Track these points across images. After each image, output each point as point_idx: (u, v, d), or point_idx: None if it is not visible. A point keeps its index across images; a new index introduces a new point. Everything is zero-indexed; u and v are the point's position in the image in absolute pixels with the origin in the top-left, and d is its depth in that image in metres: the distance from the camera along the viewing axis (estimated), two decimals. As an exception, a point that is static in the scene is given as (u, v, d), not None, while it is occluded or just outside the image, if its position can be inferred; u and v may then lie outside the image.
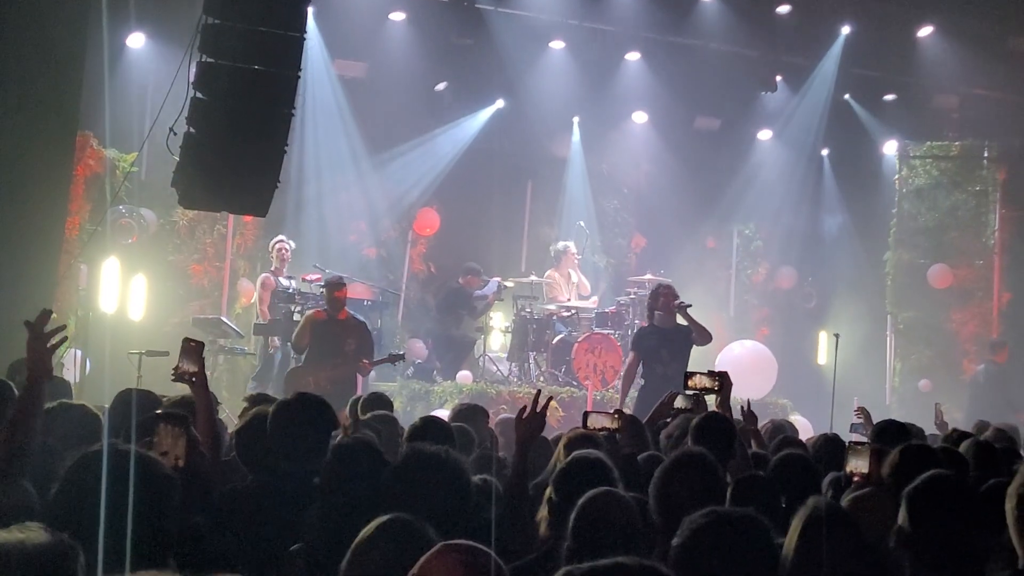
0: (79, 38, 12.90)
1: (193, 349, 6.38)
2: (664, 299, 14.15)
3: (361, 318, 14.80)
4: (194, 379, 6.36)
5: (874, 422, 8.52)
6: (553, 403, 16.42)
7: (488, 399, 15.56)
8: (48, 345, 5.32)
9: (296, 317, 15.49)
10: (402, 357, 14.89)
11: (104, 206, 15.61)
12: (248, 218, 16.81)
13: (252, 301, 17.20)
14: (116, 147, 15.76)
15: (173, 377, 6.45)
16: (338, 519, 5.01)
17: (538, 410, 6.20)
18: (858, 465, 6.21)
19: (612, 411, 7.85)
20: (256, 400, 7.92)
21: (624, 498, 5.20)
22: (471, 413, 9.25)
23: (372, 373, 15.86)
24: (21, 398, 5.45)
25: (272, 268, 16.63)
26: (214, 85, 11.47)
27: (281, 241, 16.80)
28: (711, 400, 8.27)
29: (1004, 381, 18.04)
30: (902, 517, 4.89)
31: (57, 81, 12.36)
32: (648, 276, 18.51)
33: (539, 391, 6.57)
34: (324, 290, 14.70)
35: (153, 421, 5.56)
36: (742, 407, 8.53)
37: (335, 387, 13.20)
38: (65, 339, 5.51)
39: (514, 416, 6.33)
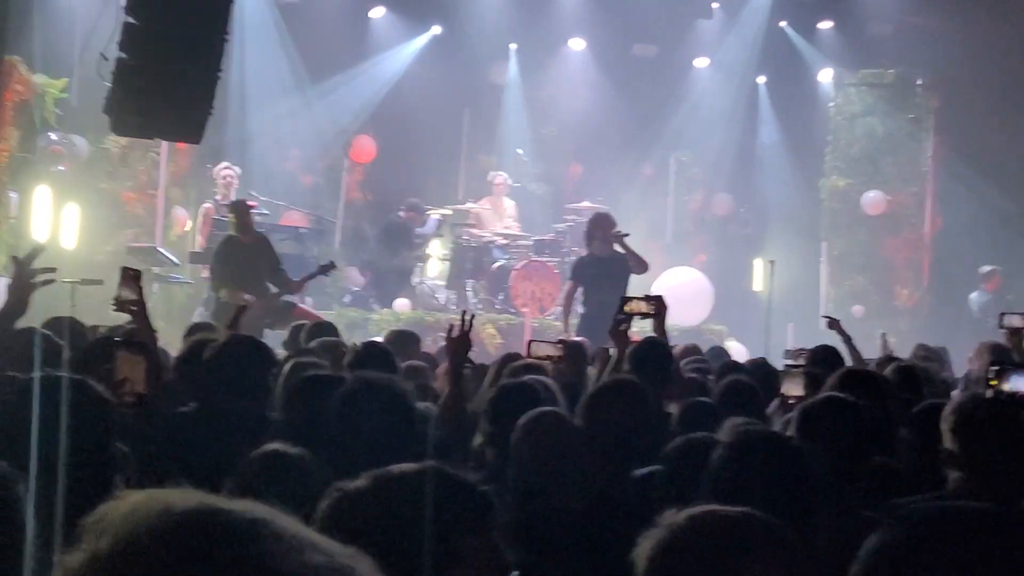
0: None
1: (132, 277, 6.28)
2: (601, 228, 14.17)
3: (262, 232, 14.52)
4: (134, 308, 6.28)
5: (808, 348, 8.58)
6: (491, 329, 16.50)
7: (425, 327, 15.54)
8: (35, 281, 5.27)
9: None
10: (333, 266, 14.64)
11: (34, 133, 15.39)
12: (182, 145, 16.60)
13: (187, 229, 17.05)
14: (45, 73, 15.48)
15: (113, 307, 6.35)
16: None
17: (465, 329, 6.20)
18: (791, 388, 6.26)
19: (556, 340, 7.88)
20: (195, 329, 7.89)
21: (565, 418, 5.22)
22: (403, 340, 9.28)
23: (309, 299, 15.80)
24: None
25: (217, 196, 16.49)
26: (146, 9, 11.31)
27: (227, 168, 16.64)
28: (646, 324, 8.30)
29: (998, 310, 18.13)
30: None
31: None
32: (586, 204, 18.50)
33: (464, 311, 6.56)
34: (232, 214, 14.34)
35: (111, 348, 5.51)
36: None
37: (273, 317, 13.17)
38: (52, 280, 5.47)
39: None
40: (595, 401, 5.49)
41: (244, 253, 13.75)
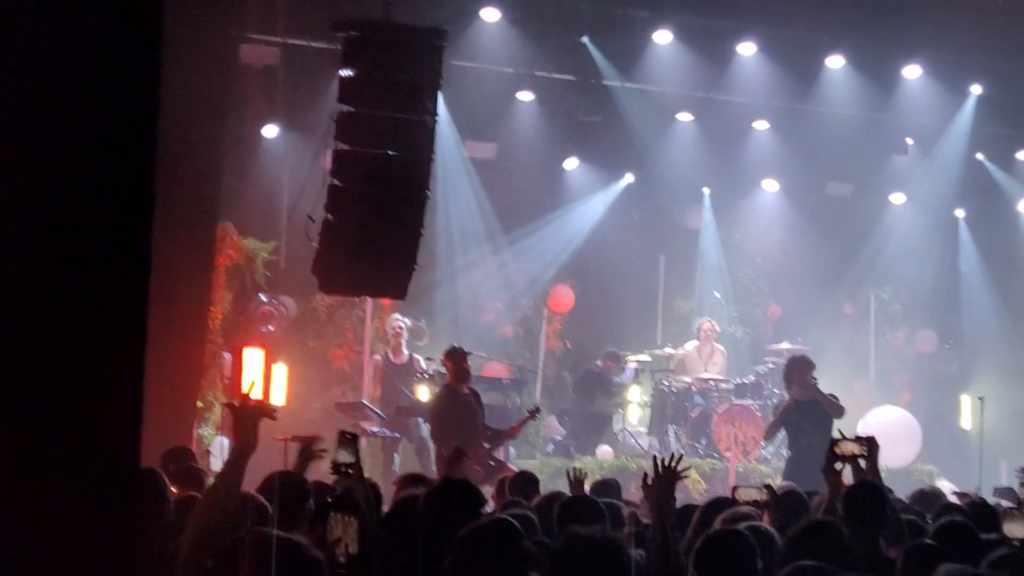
0: (217, 131, 13.26)
1: (349, 440, 6.46)
2: (798, 371, 14.09)
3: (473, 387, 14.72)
4: (351, 471, 6.40)
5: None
6: (695, 474, 16.35)
7: (628, 474, 15.48)
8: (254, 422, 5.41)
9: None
10: (538, 410, 14.72)
11: (245, 296, 15.90)
12: (386, 301, 16.96)
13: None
14: (255, 237, 16.04)
15: (330, 471, 6.51)
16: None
17: (662, 471, 6.16)
18: (1015, 530, 6.07)
19: (761, 484, 7.80)
20: (408, 481, 8.01)
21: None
22: (604, 489, 9.28)
23: (512, 450, 15.90)
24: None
25: (388, 350, 16.80)
26: (350, 172, 11.71)
27: (397, 320, 16.93)
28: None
29: None
30: None
31: (197, 174, 12.67)
32: (785, 345, 18.39)
33: (655, 457, 6.54)
34: (449, 361, 14.54)
35: (325, 509, 5.63)
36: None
37: (488, 473, 13.25)
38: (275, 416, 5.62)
39: None
40: (789, 546, 5.43)
41: (463, 404, 13.91)
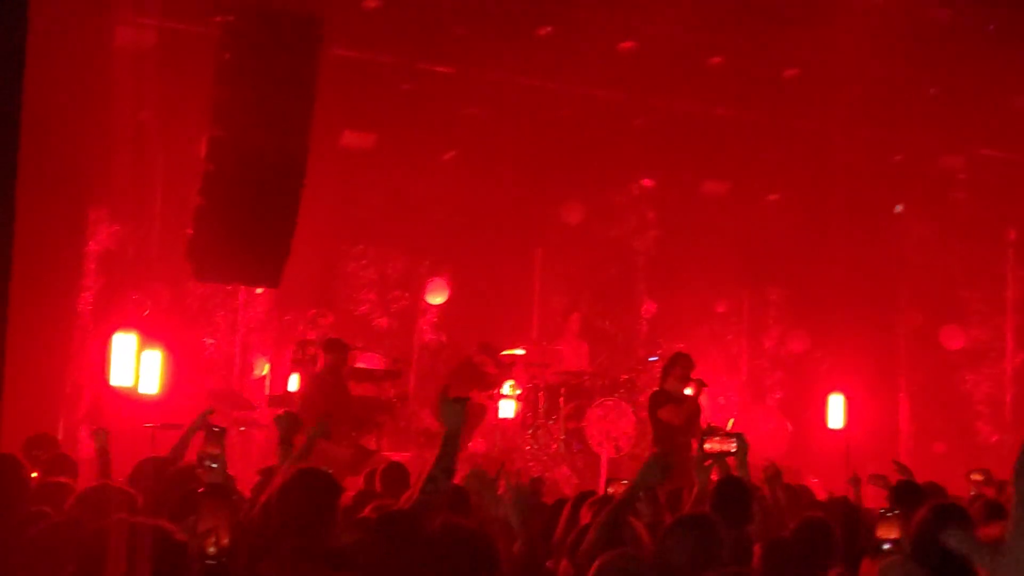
0: (89, 116, 13.03)
1: (216, 435, 6.50)
2: (678, 368, 14.18)
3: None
4: (215, 464, 6.42)
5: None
6: (567, 470, 16.40)
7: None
8: None
9: None
10: (407, 397, 14.61)
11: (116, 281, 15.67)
12: (260, 290, 16.83)
13: (264, 373, 17.20)
14: (127, 222, 15.80)
15: (196, 464, 6.54)
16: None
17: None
18: (888, 532, 6.11)
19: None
20: (268, 472, 7.94)
21: (640, 559, 5.20)
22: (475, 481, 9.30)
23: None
24: None
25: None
26: (225, 158, 11.58)
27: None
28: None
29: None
30: None
31: (67, 159, 12.46)
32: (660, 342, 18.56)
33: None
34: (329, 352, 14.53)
35: (195, 498, 5.58)
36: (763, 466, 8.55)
37: (355, 462, 13.19)
38: None
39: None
40: (668, 536, 5.49)
41: (332, 391, 13.86)
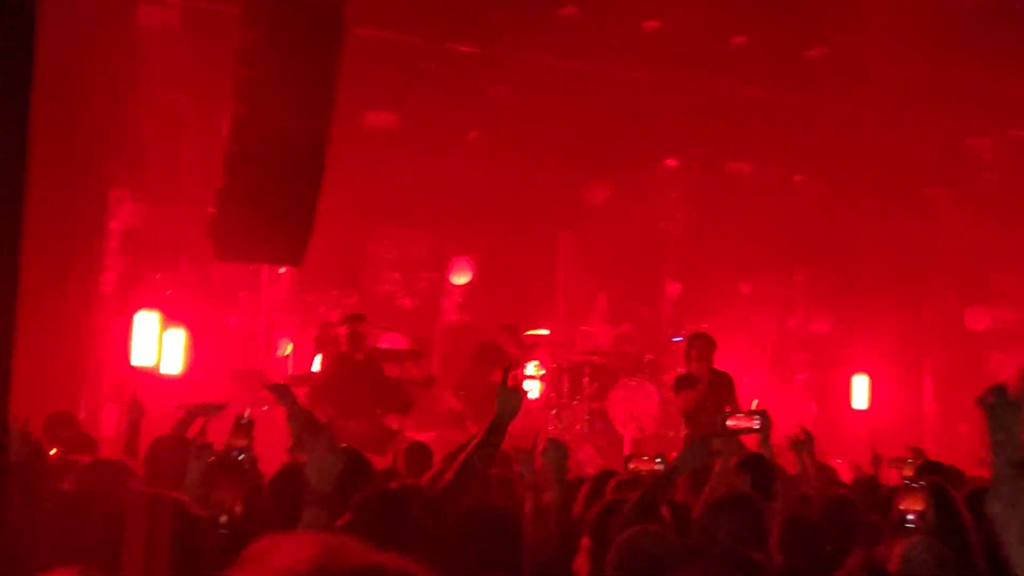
0: (112, 94, 13.02)
1: (244, 427, 6.45)
2: (697, 349, 14.09)
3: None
4: (241, 456, 6.40)
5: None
6: (591, 449, 16.37)
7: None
8: None
9: None
10: (433, 380, 14.48)
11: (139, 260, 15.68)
12: (283, 269, 16.82)
13: (287, 353, 17.20)
14: (150, 201, 15.80)
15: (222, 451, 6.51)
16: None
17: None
18: (911, 504, 6.02)
19: (655, 457, 7.81)
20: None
21: (667, 537, 5.14)
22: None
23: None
24: None
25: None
26: (248, 137, 11.54)
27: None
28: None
29: None
30: None
31: (88, 138, 12.45)
32: (685, 323, 18.49)
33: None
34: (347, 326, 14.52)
35: (209, 471, 5.58)
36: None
37: (377, 442, 13.15)
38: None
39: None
40: (708, 517, 5.43)
41: (353, 370, 13.81)
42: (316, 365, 16.22)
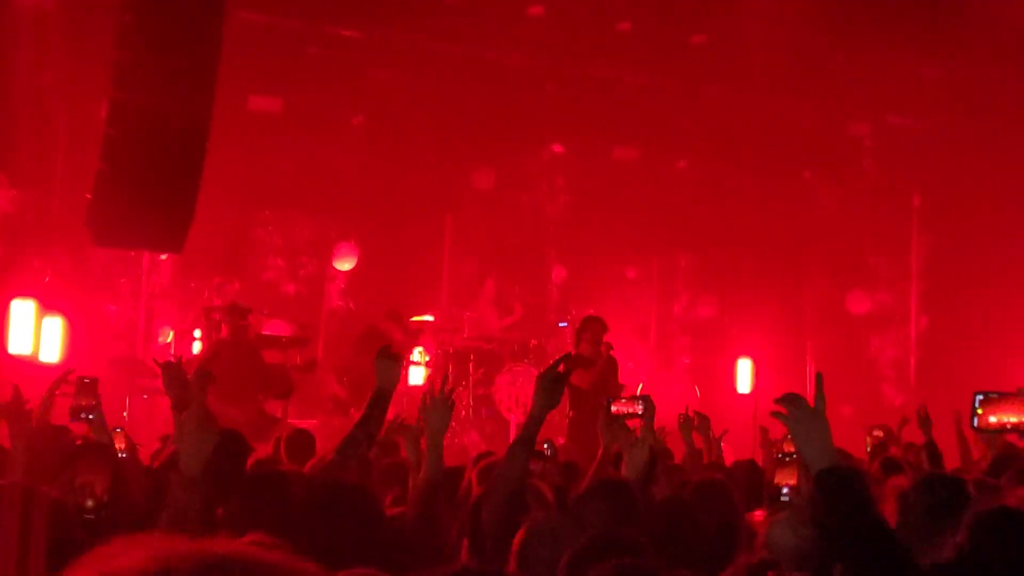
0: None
1: (87, 386, 6.35)
2: (590, 332, 14.15)
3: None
4: (91, 416, 6.30)
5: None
6: (476, 436, 16.37)
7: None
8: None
9: None
10: (315, 363, 14.39)
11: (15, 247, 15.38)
12: (164, 256, 16.60)
13: (168, 340, 16.97)
14: (27, 187, 15.50)
15: (70, 416, 6.40)
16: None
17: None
18: (785, 477, 6.07)
19: (541, 442, 7.85)
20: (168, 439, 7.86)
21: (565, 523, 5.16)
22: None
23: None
24: None
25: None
26: (126, 121, 11.35)
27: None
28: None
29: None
30: None
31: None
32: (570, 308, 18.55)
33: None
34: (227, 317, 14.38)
35: (74, 453, 5.48)
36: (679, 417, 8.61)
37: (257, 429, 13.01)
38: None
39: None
40: (582, 501, 5.44)
41: (233, 358, 13.66)
42: (195, 349, 16.04)
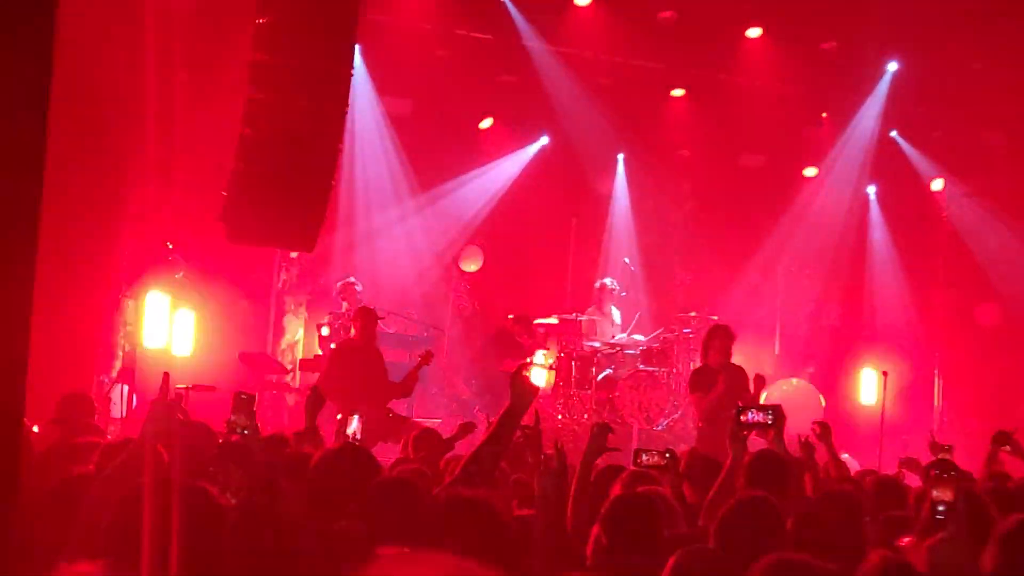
0: (125, 77, 13.01)
1: (244, 403, 6.42)
2: (718, 341, 13.96)
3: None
4: (246, 432, 6.38)
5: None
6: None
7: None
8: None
9: None
10: (431, 355, 14.45)
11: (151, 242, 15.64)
12: (294, 253, 16.79)
13: (297, 337, 17.19)
14: (163, 183, 15.75)
15: (225, 430, 6.49)
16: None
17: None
18: (943, 493, 5.91)
19: (663, 449, 7.82)
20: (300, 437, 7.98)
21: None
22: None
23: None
24: None
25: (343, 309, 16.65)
26: (262, 121, 11.53)
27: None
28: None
29: None
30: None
31: (103, 122, 12.45)
32: (693, 314, 18.40)
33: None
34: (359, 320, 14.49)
35: (215, 454, 5.59)
36: (799, 437, 8.51)
37: (387, 429, 13.12)
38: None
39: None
40: (728, 521, 5.40)
41: (362, 360, 13.75)
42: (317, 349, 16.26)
